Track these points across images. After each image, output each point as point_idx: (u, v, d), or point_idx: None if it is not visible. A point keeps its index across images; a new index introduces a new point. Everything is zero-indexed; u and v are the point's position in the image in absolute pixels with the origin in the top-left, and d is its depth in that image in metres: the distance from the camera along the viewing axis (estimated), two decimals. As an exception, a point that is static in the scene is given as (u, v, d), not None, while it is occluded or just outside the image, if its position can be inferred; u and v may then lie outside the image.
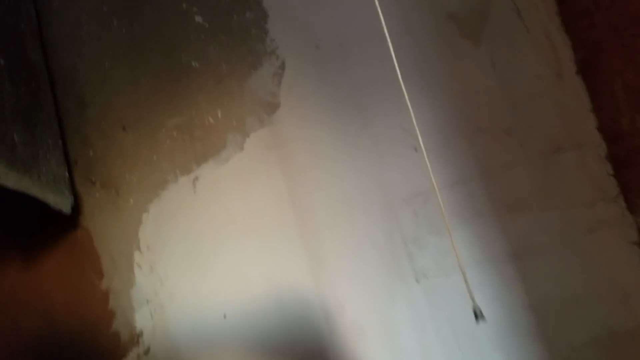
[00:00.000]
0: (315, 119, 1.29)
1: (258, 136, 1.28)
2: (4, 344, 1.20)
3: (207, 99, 1.28)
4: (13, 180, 0.95)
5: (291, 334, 1.20)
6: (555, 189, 1.25)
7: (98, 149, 1.28)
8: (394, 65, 1.29)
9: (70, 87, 1.29)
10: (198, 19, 1.31)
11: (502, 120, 1.27)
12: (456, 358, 1.19)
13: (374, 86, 1.30)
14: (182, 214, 1.25)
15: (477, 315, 1.10)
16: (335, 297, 1.22)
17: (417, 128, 1.27)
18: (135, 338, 1.23)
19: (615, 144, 1.22)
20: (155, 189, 1.26)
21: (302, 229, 1.24)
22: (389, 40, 1.18)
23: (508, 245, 1.23)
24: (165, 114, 1.28)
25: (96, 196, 1.27)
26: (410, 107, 1.17)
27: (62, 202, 1.16)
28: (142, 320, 1.23)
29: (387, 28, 1.30)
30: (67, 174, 1.23)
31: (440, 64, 1.31)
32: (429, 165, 1.25)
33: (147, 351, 1.22)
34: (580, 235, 1.22)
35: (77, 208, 1.26)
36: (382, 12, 1.30)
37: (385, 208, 1.25)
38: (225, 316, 1.19)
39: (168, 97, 1.28)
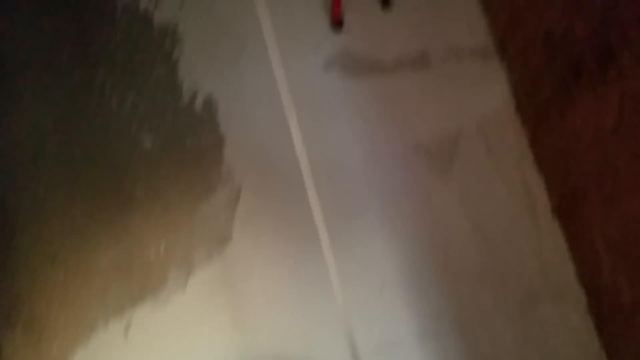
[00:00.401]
0: (271, 255, 1.17)
1: (205, 273, 1.15)
2: None
3: (150, 230, 1.16)
4: None
5: None
6: (534, 345, 1.13)
7: (23, 285, 1.13)
8: (361, 197, 1.20)
9: (-2, 215, 1.16)
10: (147, 143, 1.20)
11: (475, 264, 1.17)
12: None
13: (339, 219, 1.20)
14: (110, 358, 1.09)
15: None
16: None
17: (383, 267, 1.16)
18: None
19: (597, 298, 1.12)
20: (83, 335, 1.10)
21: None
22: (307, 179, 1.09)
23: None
24: (101, 247, 1.14)
25: (16, 342, 1.10)
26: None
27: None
28: None
29: (358, 158, 1.22)
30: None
31: (409, 198, 1.22)
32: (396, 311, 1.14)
33: None
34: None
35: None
36: (353, 141, 1.23)
37: (346, 348, 1.11)
38: None
39: (106, 227, 1.15)
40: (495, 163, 1.24)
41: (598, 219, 1.06)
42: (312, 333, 1.12)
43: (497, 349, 1.12)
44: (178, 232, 1.16)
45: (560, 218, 1.19)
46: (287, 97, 1.24)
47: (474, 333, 1.13)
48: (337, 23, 1.31)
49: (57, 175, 1.17)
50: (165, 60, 1.26)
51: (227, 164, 1.21)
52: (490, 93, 1.28)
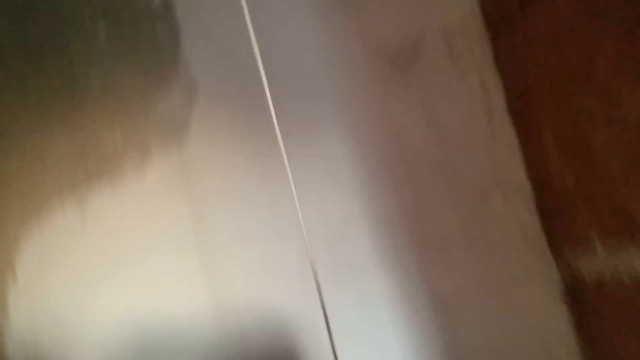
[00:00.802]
0: (229, 147, 1.18)
1: (162, 161, 1.15)
2: None
3: (105, 119, 1.14)
4: None
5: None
6: (482, 234, 1.18)
7: (-26, 171, 1.11)
8: (320, 97, 1.20)
9: (-55, 100, 1.12)
10: (102, 30, 1.17)
11: (430, 160, 1.20)
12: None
13: (297, 119, 1.20)
14: (67, 243, 1.09)
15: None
16: (238, 332, 1.09)
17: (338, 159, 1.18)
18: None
19: (544, 193, 1.17)
20: (39, 221, 1.10)
21: (206, 263, 1.11)
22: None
23: (429, 288, 1.15)
24: (55, 134, 1.12)
25: (-32, 224, 1.10)
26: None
27: None
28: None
29: (317, 59, 1.21)
30: None
31: (368, 98, 1.22)
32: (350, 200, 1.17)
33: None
34: (505, 283, 1.16)
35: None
36: (313, 41, 1.22)
37: (300, 241, 1.14)
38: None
39: (61, 114, 1.13)
40: (456, 66, 1.25)
41: (550, 117, 1.10)
42: (267, 221, 1.14)
43: (444, 235, 1.17)
44: (134, 122, 1.15)
45: (514, 117, 1.22)
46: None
47: (425, 224, 1.17)
48: None
49: (9, 58, 1.13)
50: (120, -53, 1.21)
51: (184, 60, 1.19)
52: (456, -5, 1.27)
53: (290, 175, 1.16)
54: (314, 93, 1.22)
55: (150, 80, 1.18)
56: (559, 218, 1.12)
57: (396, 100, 1.23)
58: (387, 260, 1.16)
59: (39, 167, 1.10)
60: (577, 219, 1.05)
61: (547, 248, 1.17)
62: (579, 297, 1.11)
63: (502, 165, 1.20)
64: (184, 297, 1.11)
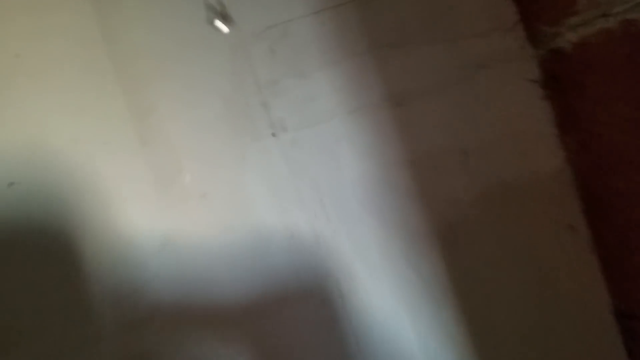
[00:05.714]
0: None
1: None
2: None
3: None
4: None
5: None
6: (444, 16, 1.00)
7: None
8: None
9: None
10: None
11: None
12: (320, 222, 0.97)
13: None
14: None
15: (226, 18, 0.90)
16: (168, 159, 0.95)
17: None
18: None
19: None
20: None
21: (120, 72, 0.94)
22: None
23: (385, 88, 1.00)
24: None
25: None
26: None
27: None
28: None
29: None
30: None
31: None
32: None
33: None
34: (471, 73, 1.00)
35: None
36: None
37: (233, 44, 0.97)
38: (11, 184, 0.89)
39: None
40: None
41: None
42: (185, 11, 0.96)
43: (401, 23, 1.00)
44: None
45: None
46: None
47: (376, 6, 0.99)
48: None
49: None
50: None
51: None
52: None
53: None
54: None
55: None
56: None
57: None
58: (336, 59, 1.00)
59: None
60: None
61: (521, 27, 1.01)
62: (560, 76, 0.96)
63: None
64: (93, 106, 0.95)
